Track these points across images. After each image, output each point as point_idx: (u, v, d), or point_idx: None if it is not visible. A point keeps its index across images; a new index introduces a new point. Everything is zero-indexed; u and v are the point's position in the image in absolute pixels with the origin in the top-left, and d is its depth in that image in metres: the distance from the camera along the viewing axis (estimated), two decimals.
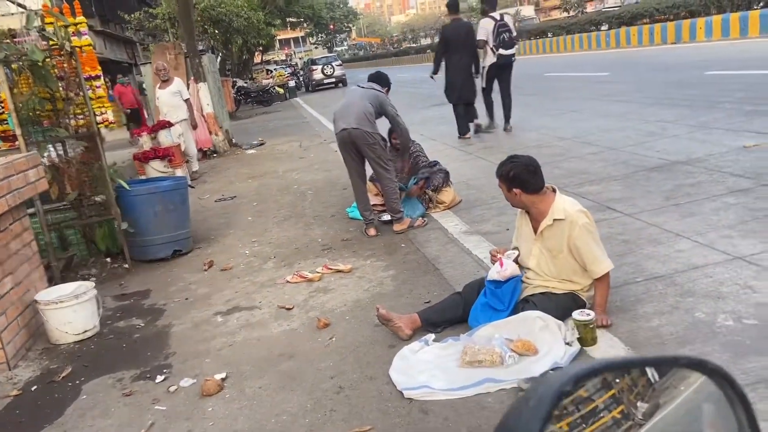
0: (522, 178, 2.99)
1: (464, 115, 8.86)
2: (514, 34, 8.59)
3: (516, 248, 3.24)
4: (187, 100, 9.24)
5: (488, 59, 8.54)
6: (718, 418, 0.70)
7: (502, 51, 8.41)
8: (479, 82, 8.75)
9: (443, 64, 8.79)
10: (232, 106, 20.57)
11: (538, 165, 3.06)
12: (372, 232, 5.06)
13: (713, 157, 5.40)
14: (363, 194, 5.14)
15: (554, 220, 2.95)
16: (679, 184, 4.83)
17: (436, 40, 9.60)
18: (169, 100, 9.07)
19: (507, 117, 8.75)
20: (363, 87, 5.12)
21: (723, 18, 19.02)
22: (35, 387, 3.30)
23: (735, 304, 2.86)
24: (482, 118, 9.14)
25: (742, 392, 0.68)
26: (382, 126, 5.07)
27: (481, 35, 8.45)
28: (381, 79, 5.24)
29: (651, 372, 0.72)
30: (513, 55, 8.57)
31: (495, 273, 3.09)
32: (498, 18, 8.47)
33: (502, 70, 8.60)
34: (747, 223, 3.80)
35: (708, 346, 2.54)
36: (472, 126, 9.00)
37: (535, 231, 3.07)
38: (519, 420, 0.57)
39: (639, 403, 0.71)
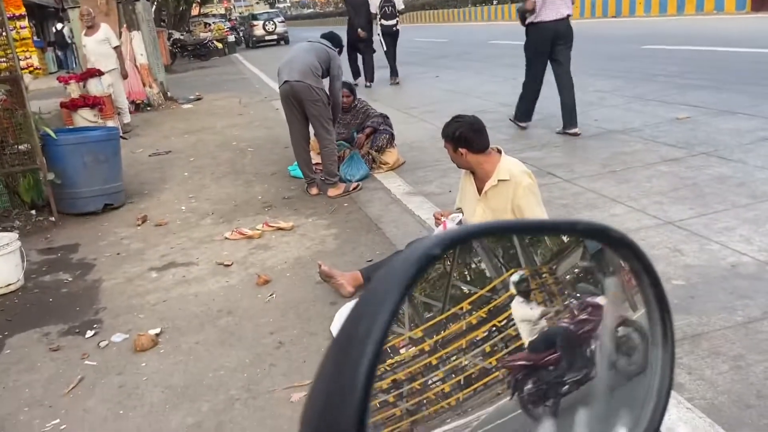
0: (467, 137, 2.98)
1: (367, 65, 10.77)
2: (399, 8, 10.59)
3: (459, 209, 3.26)
4: (116, 48, 8.70)
5: (378, 28, 10.54)
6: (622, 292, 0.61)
7: (383, 21, 10.39)
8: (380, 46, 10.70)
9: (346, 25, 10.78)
10: (167, 59, 19.64)
11: (483, 125, 3.05)
12: (314, 190, 4.98)
13: (648, 127, 5.58)
14: (304, 152, 5.02)
15: (499, 180, 2.97)
16: (615, 152, 4.97)
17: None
18: (97, 48, 8.51)
19: (393, 73, 10.85)
20: (312, 42, 4.94)
21: None
22: None
23: (665, 266, 2.98)
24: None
25: (648, 263, 0.57)
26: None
27: (372, 9, 10.41)
28: (334, 40, 5.04)
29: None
30: (393, 25, 10.47)
31: None
32: None
33: (387, 36, 10.51)
34: (678, 190, 3.96)
35: None
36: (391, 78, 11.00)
37: (480, 191, 3.08)
38: (381, 285, 0.45)
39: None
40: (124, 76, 8.99)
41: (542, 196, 3.17)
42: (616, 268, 0.61)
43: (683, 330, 2.42)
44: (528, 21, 5.55)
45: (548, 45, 5.52)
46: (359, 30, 10.43)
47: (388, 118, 5.56)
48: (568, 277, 0.65)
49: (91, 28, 8.50)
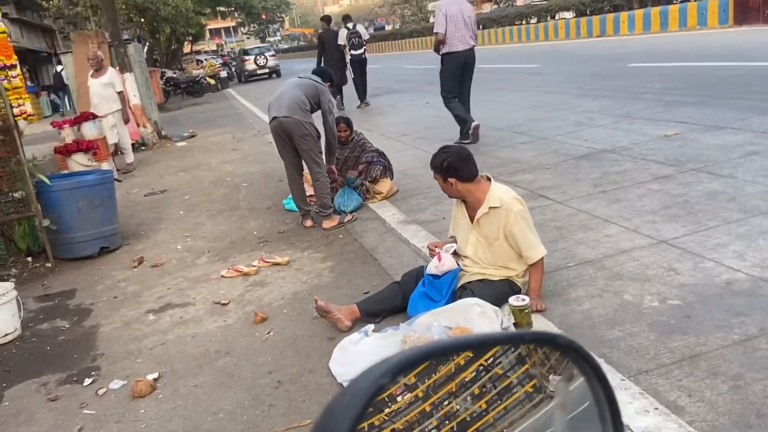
0: (456, 166, 3.02)
1: (338, 94, 11.77)
2: (365, 38, 12.00)
3: (453, 238, 3.27)
4: (120, 93, 8.84)
5: (347, 57, 11.95)
6: (571, 396, 0.63)
7: (352, 52, 11.81)
8: (349, 74, 12.22)
9: (323, 58, 12.09)
10: (160, 98, 19.86)
11: (470, 153, 3.09)
12: (309, 223, 5.00)
13: (637, 146, 5.62)
14: (298, 185, 5.05)
15: (490, 208, 3.00)
16: (606, 172, 5.01)
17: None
18: (101, 90, 8.63)
19: (362, 97, 12.29)
20: (301, 77, 5.01)
21: (644, 12, 19.88)
22: None
23: (660, 285, 2.98)
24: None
25: (596, 365, 0.61)
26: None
27: (340, 41, 11.89)
28: (324, 74, 5.11)
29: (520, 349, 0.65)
30: (361, 54, 11.89)
31: (433, 267, 3.10)
32: (351, 28, 11.89)
33: (357, 65, 11.98)
34: (669, 208, 3.98)
35: (636, 326, 2.65)
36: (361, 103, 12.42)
37: (472, 220, 3.10)
38: (331, 418, 0.49)
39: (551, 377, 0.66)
40: (126, 120, 9.09)
41: (535, 219, 3.20)
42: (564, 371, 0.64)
43: (682, 351, 2.41)
44: (442, 52, 6.72)
45: (461, 69, 6.78)
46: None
47: (384, 154, 5.60)
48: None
49: (99, 71, 8.64)
